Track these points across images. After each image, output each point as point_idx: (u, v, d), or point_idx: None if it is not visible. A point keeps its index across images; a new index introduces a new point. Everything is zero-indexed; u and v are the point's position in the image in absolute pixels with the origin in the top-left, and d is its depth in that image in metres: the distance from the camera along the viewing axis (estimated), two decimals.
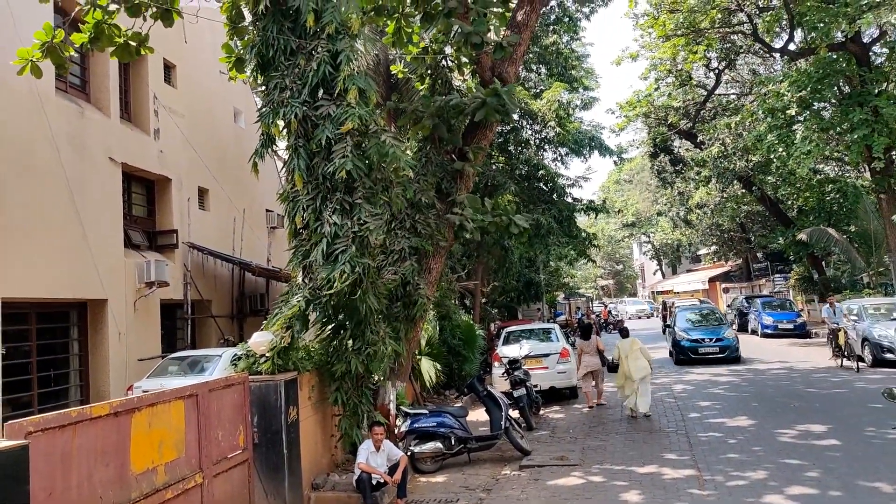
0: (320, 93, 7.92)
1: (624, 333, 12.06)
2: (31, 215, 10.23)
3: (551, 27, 20.15)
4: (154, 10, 9.55)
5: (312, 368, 7.65)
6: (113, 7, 9.34)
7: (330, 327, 7.83)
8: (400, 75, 13.03)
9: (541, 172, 18.63)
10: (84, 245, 11.32)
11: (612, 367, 12.29)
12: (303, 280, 7.71)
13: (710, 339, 17.96)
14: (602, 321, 33.56)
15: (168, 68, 14.76)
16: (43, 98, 10.63)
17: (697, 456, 8.38)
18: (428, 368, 11.95)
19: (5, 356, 9.62)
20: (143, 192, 14.29)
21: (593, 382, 12.64)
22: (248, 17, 10.43)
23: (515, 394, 10.55)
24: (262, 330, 7.28)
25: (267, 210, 18.61)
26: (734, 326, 24.63)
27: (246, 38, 10.28)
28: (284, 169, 8.44)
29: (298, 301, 7.30)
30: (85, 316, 11.92)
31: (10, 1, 10.09)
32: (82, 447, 4.36)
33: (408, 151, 9.38)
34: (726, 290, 40.81)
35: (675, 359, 18.47)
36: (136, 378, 11.37)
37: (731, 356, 17.67)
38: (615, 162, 26.17)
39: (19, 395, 10.29)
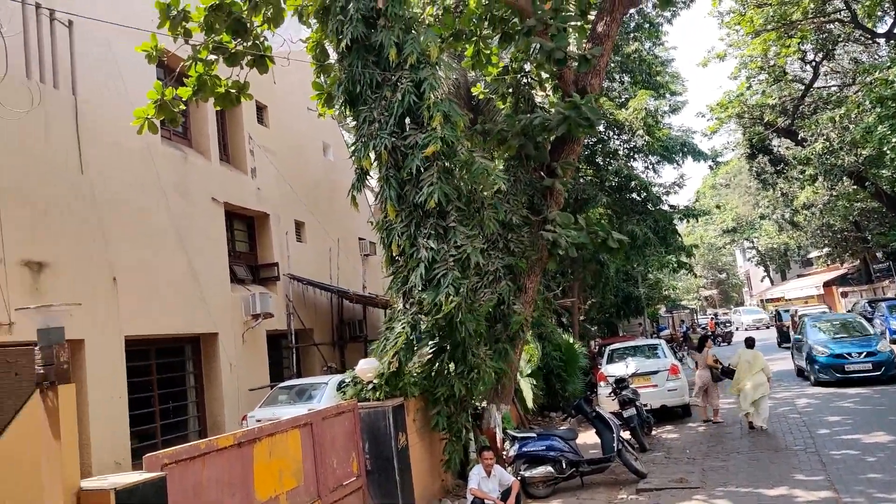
0: (407, 122, 8.07)
1: (749, 343, 11.57)
2: (147, 258, 10.92)
3: (632, 35, 19.73)
4: (249, 58, 10.11)
5: (418, 393, 7.68)
6: (212, 58, 9.96)
7: (431, 351, 7.85)
8: (481, 96, 13.11)
9: (633, 183, 18.12)
10: (194, 283, 11.97)
11: (726, 372, 11.67)
12: (403, 306, 7.78)
13: (859, 354, 14.36)
14: (709, 333, 31.99)
15: (260, 109, 15.52)
16: (151, 149, 11.41)
17: (832, 476, 7.71)
18: (528, 390, 11.76)
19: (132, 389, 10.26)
20: (245, 228, 15.00)
21: (708, 398, 12.13)
22: (333, 55, 10.86)
23: (625, 414, 10.16)
24: (369, 357, 7.39)
25: (359, 238, 19.09)
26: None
27: (332, 75, 10.68)
28: (376, 199, 8.63)
29: (404, 327, 7.36)
30: (199, 349, 12.56)
31: (121, 66, 10.89)
32: (211, 477, 4.53)
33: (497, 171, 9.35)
34: (844, 295, 37.85)
35: (814, 379, 15.03)
36: (248, 408, 11.83)
37: (888, 374, 13.99)
38: (710, 167, 25.12)
39: (145, 427, 10.90)
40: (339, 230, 17.72)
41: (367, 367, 7.10)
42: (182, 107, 9.87)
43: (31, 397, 3.64)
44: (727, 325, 38.46)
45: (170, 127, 12.20)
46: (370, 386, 7.11)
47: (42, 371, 3.75)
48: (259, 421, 9.72)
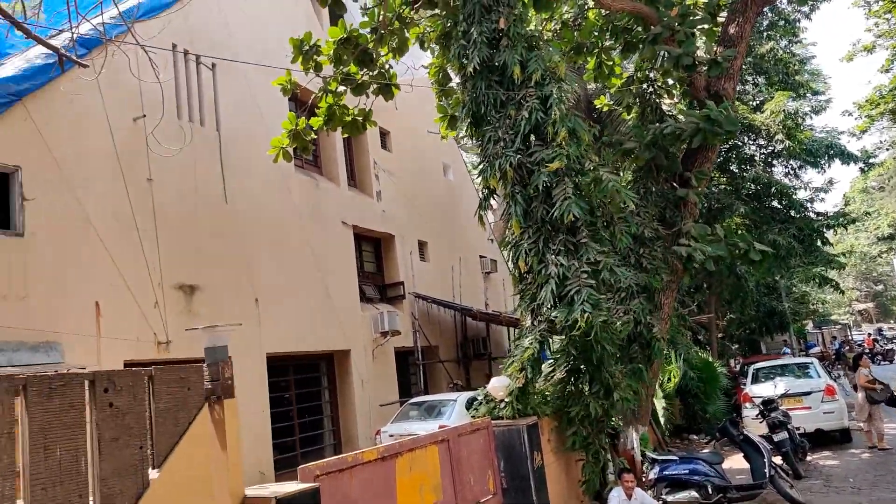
0: (532, 139, 8.04)
1: None
2: (285, 280, 11.58)
3: (766, 33, 18.55)
4: (375, 86, 10.54)
5: (551, 413, 7.55)
6: (341, 89, 10.48)
7: (564, 370, 7.70)
8: (605, 108, 12.83)
9: (772, 189, 16.92)
10: (328, 302, 12.54)
11: (893, 401, 10.51)
12: (532, 323, 7.70)
13: None
14: (865, 350, 28.91)
15: (383, 135, 16.11)
16: (286, 177, 12.14)
17: None
18: (665, 411, 11.22)
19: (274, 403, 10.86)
20: (372, 249, 15.57)
21: (872, 422, 11.00)
22: (454, 78, 11.06)
23: (776, 437, 9.42)
24: (497, 375, 7.37)
25: (480, 256, 19.22)
26: None
27: (454, 98, 10.89)
28: (501, 216, 8.63)
29: (531, 343, 7.28)
30: (332, 366, 13.12)
31: (258, 101, 11.73)
32: (358, 489, 4.67)
33: (625, 184, 9.07)
34: None
35: None
36: (379, 423, 12.17)
37: None
38: (861, 169, 22.94)
39: (284, 440, 11.48)
40: (461, 249, 17.96)
41: (498, 385, 7.08)
42: (313, 136, 10.44)
43: (200, 410, 3.95)
44: (893, 341, 34.60)
45: (302, 156, 12.94)
46: (502, 404, 7.08)
47: (210, 386, 4.06)
48: (392, 436, 9.96)
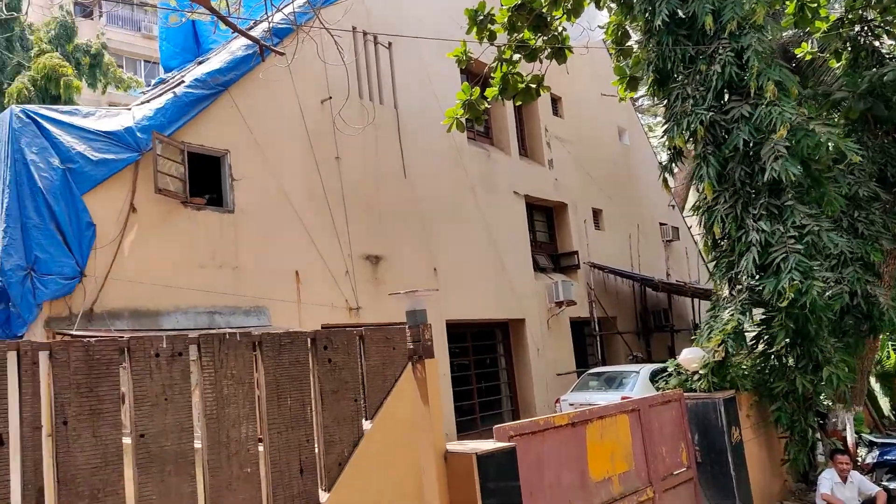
0: (726, 95, 7.42)
1: None
2: (460, 250, 11.86)
3: None
4: (548, 51, 10.32)
5: (750, 387, 7.05)
6: (515, 57, 10.40)
7: (767, 342, 7.12)
8: (808, 57, 11.47)
9: None
10: (502, 272, 12.69)
11: None
12: (730, 293, 7.20)
13: None
14: None
15: (554, 101, 15.78)
16: (460, 150, 12.36)
17: None
18: (885, 392, 10.02)
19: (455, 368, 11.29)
20: (544, 218, 15.44)
21: None
22: (633, 36, 10.49)
23: None
24: (692, 346, 7.02)
25: (660, 224, 18.31)
26: None
27: (633, 57, 10.34)
28: (692, 179, 8.12)
29: (732, 314, 6.82)
30: (507, 334, 13.30)
31: (431, 76, 12.01)
32: (550, 452, 4.72)
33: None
34: None
35: None
36: (556, 392, 12.18)
37: None
38: None
39: (464, 403, 11.90)
40: (638, 216, 17.24)
41: (691, 357, 6.75)
42: (486, 106, 10.49)
43: (405, 368, 4.21)
44: None
45: (474, 127, 13.08)
46: (695, 376, 6.73)
47: (412, 346, 4.32)
48: (572, 405, 9.93)
